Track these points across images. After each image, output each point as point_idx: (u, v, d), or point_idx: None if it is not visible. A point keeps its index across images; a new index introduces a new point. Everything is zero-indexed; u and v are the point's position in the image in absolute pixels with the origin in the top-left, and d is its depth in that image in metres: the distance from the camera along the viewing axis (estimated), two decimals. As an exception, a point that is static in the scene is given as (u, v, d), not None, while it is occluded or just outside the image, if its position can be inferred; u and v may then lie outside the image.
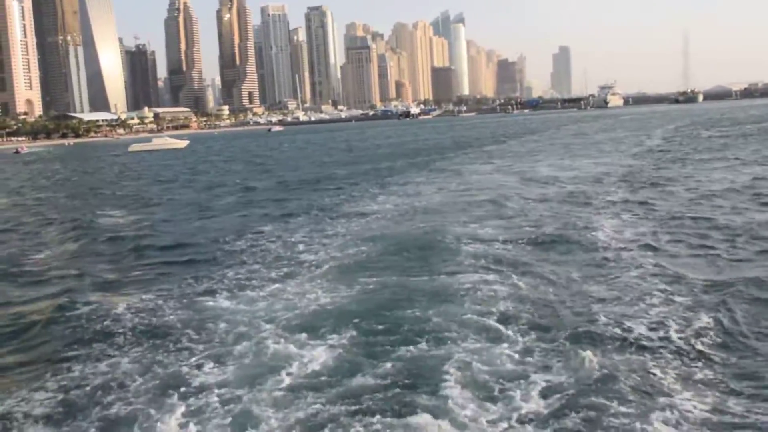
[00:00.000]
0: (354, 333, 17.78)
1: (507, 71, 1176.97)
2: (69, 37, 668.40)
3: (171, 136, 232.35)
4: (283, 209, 44.81)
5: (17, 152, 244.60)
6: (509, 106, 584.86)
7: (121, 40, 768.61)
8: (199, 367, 16.07)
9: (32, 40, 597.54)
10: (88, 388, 15.23)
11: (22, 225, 45.67)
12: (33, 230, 42.89)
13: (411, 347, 16.54)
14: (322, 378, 15.01)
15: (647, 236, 28.46)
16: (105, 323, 20.04)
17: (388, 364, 15.54)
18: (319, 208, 43.82)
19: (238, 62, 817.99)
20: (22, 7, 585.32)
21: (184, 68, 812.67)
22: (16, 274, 29.03)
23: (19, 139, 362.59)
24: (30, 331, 20.37)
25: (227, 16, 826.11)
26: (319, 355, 16.25)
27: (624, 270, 23.04)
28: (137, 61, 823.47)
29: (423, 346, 16.60)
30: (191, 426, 13.19)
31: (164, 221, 43.85)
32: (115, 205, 55.43)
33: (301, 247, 30.15)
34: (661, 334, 16.80)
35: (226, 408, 13.82)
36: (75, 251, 34.24)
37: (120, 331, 19.21)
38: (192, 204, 53.23)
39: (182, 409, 13.86)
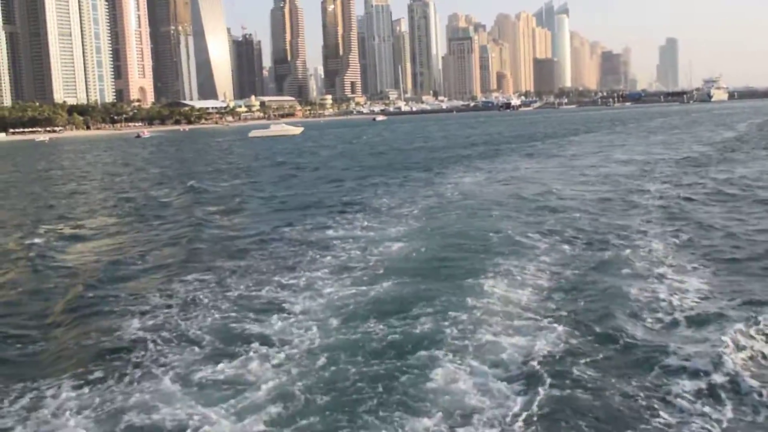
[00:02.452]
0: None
1: (611, 63, 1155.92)
2: (180, 27, 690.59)
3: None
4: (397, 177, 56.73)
5: (138, 136, 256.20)
6: (610, 99, 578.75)
7: (228, 30, 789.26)
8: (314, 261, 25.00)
9: (146, 30, 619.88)
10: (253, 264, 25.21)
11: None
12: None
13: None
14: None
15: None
16: (258, 238, 30.51)
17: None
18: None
19: (341, 52, 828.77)
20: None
21: (289, 58, 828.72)
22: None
23: (136, 124, 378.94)
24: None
25: (331, 6, 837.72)
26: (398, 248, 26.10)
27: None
28: (244, 51, 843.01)
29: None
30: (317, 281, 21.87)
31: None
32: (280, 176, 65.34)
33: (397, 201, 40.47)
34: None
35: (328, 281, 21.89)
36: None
37: (269, 242, 29.42)
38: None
39: (305, 279, 22.33)
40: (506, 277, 21.03)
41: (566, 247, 25.38)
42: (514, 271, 21.64)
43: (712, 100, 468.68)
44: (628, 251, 23.83)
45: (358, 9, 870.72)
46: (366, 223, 32.36)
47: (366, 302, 19.09)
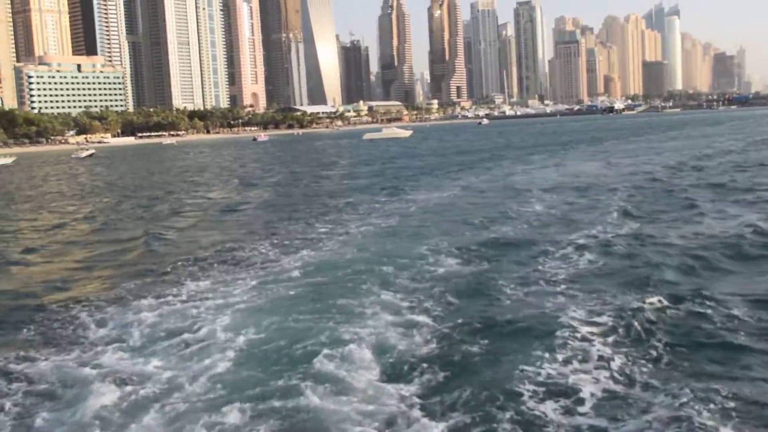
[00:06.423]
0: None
1: (724, 65, 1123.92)
2: (291, 35, 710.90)
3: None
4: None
5: (255, 140, 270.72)
6: (714, 102, 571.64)
7: (337, 37, 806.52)
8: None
9: (258, 38, 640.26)
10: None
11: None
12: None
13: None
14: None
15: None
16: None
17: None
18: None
19: (447, 57, 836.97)
20: (251, 8, 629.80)
21: (396, 63, 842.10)
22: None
23: (252, 129, 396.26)
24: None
25: (438, 12, 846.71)
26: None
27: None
28: (351, 57, 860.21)
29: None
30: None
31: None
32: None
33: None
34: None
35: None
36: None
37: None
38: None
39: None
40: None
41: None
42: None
43: None
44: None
45: (464, 14, 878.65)
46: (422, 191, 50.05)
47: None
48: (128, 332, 17.78)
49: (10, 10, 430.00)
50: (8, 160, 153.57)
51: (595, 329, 16.22)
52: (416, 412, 12.47)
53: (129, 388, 13.96)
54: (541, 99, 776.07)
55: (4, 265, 28.97)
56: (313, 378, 13.87)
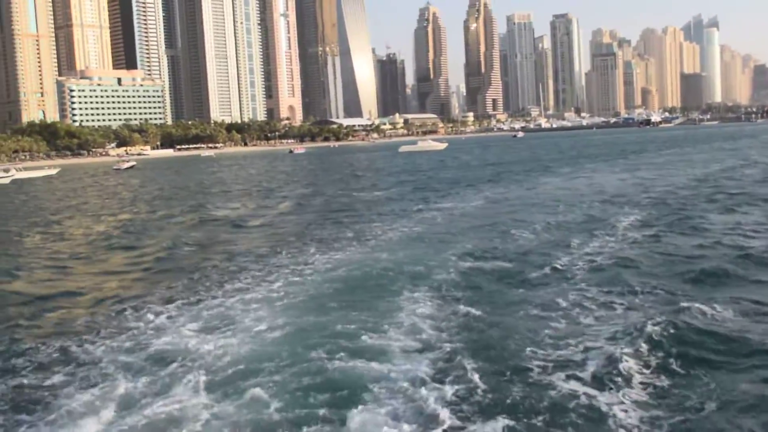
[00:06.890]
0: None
1: (764, 77, 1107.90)
2: (328, 48, 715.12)
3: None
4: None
5: (291, 152, 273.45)
6: (753, 115, 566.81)
7: (373, 50, 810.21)
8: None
9: (295, 52, 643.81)
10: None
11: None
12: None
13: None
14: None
15: None
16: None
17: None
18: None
19: (483, 70, 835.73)
20: (287, 22, 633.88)
21: (432, 76, 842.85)
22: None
23: (289, 141, 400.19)
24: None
25: (474, 25, 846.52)
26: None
27: None
28: (387, 70, 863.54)
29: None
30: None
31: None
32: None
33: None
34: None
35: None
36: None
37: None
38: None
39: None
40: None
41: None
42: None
43: None
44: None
45: (500, 27, 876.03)
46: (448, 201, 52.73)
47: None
48: (168, 323, 19.81)
49: (52, 26, 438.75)
50: (53, 171, 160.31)
51: (598, 322, 18.17)
52: (440, 376, 14.75)
53: (175, 365, 15.90)
54: (578, 111, 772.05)
55: (56, 269, 31.17)
56: (351, 350, 16.24)
